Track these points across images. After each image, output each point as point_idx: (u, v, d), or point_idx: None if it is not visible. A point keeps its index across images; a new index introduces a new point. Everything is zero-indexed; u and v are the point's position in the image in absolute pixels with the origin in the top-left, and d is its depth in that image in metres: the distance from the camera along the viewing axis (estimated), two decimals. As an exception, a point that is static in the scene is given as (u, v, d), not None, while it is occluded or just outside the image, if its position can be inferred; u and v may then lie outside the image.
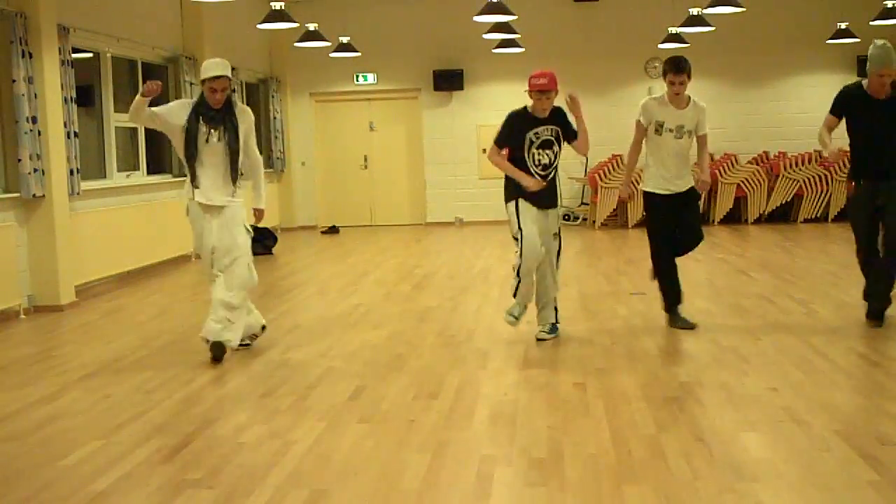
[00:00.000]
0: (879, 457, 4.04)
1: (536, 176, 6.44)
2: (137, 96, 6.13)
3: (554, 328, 6.68)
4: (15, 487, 4.07)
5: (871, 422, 4.61)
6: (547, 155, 6.48)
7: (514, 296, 6.59)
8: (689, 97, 6.72)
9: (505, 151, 6.48)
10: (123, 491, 3.97)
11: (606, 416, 4.76)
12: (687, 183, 6.83)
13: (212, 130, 6.28)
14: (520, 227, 6.43)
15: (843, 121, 6.79)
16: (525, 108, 6.48)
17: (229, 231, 6.35)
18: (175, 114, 6.31)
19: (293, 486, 3.95)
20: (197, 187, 6.31)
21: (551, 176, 6.52)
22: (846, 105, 6.73)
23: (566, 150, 6.64)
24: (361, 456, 4.32)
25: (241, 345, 6.50)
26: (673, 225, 6.82)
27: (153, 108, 6.27)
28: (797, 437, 4.36)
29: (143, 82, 11.29)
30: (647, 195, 6.85)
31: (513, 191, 6.49)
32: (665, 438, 4.39)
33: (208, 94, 6.27)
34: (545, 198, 6.50)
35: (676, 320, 6.85)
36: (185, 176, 6.44)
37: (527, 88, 6.41)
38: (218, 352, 6.26)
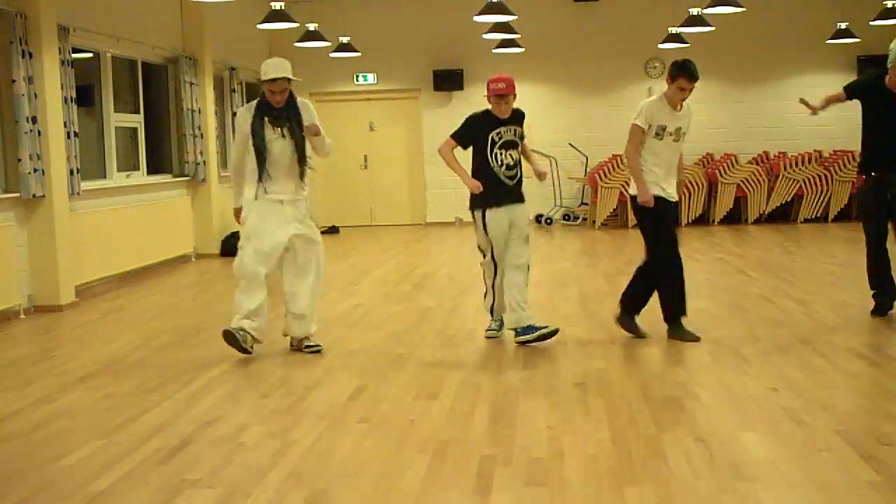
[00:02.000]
0: (879, 457, 4.04)
1: (502, 177, 6.47)
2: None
3: (502, 324, 6.73)
4: (15, 487, 4.07)
5: (871, 422, 4.61)
6: (510, 156, 6.50)
7: (492, 311, 6.69)
8: None
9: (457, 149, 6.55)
10: (123, 491, 3.97)
11: (606, 416, 4.76)
12: (675, 193, 6.62)
13: (276, 129, 6.32)
14: (488, 237, 6.50)
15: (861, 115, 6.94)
16: (487, 109, 6.56)
17: (306, 225, 6.43)
18: (242, 125, 6.38)
19: (293, 486, 3.95)
20: (265, 186, 6.31)
21: (518, 177, 6.53)
22: (862, 92, 6.92)
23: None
24: (361, 456, 4.32)
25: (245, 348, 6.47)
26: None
27: (241, 151, 6.41)
28: (797, 437, 4.37)
29: (144, 82, 11.37)
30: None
31: (480, 199, 6.49)
32: (665, 438, 4.39)
33: (268, 95, 6.33)
34: (510, 195, 6.50)
35: (680, 331, 6.55)
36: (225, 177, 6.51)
37: (486, 94, 6.49)
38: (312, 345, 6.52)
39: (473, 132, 6.52)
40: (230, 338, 6.26)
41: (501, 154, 6.48)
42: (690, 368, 5.77)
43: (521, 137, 6.57)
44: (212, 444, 4.54)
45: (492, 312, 6.77)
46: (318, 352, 6.44)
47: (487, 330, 6.81)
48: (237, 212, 6.48)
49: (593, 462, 4.12)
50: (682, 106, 6.54)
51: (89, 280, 9.45)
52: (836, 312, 7.31)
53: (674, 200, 6.56)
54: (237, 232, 6.67)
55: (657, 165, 6.47)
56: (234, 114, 13.55)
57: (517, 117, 6.55)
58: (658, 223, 6.49)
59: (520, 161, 6.55)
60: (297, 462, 4.24)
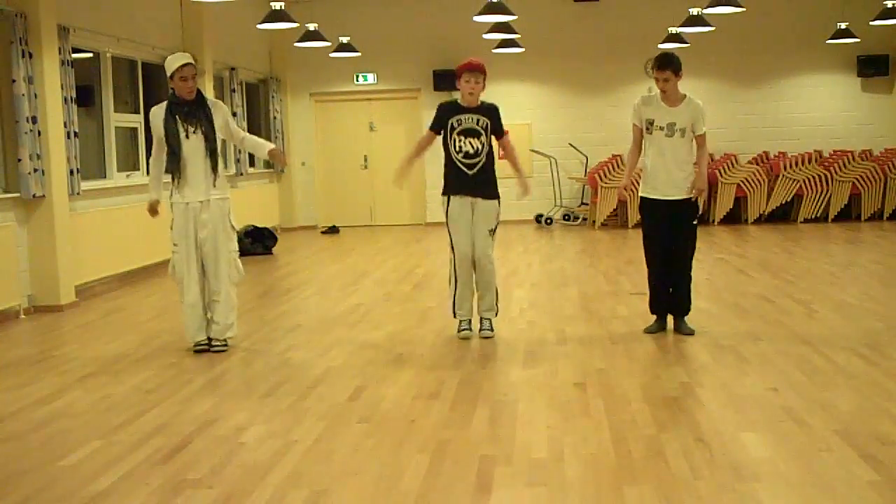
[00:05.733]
0: (879, 457, 4.04)
1: (458, 163, 6.55)
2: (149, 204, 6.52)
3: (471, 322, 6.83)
4: (15, 487, 4.07)
5: (871, 422, 4.61)
6: (470, 143, 6.53)
7: (454, 308, 6.73)
8: (685, 95, 6.54)
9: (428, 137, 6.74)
10: (123, 491, 3.97)
11: (606, 416, 4.76)
12: (681, 192, 6.52)
13: (189, 127, 6.37)
14: (448, 230, 6.64)
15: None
16: (455, 99, 6.70)
17: (215, 228, 6.44)
18: (157, 124, 6.44)
19: (293, 486, 3.95)
20: (180, 185, 6.40)
21: (479, 166, 6.55)
22: None
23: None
24: (361, 456, 4.32)
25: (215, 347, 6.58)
26: (667, 232, 6.58)
27: (157, 155, 6.54)
28: (797, 437, 4.37)
29: (144, 82, 11.38)
30: (640, 199, 6.72)
31: (445, 185, 6.68)
32: (665, 438, 4.39)
33: (180, 84, 6.35)
34: (469, 185, 6.56)
35: (658, 327, 6.76)
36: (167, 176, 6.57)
37: (457, 76, 6.58)
38: (221, 347, 6.57)
39: (440, 120, 6.64)
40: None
41: (459, 140, 6.54)
42: (690, 368, 5.77)
43: (491, 131, 6.57)
44: (212, 444, 4.54)
45: (454, 310, 6.80)
46: (223, 350, 6.55)
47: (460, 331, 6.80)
48: (152, 206, 6.51)
49: (593, 462, 4.12)
50: (682, 101, 6.52)
51: (89, 280, 9.45)
52: (836, 312, 7.31)
53: (667, 199, 6.54)
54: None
55: (650, 161, 6.60)
56: (235, 114, 13.57)
57: (488, 110, 6.60)
58: (643, 222, 6.80)
59: (481, 151, 6.54)
60: (297, 462, 4.24)
